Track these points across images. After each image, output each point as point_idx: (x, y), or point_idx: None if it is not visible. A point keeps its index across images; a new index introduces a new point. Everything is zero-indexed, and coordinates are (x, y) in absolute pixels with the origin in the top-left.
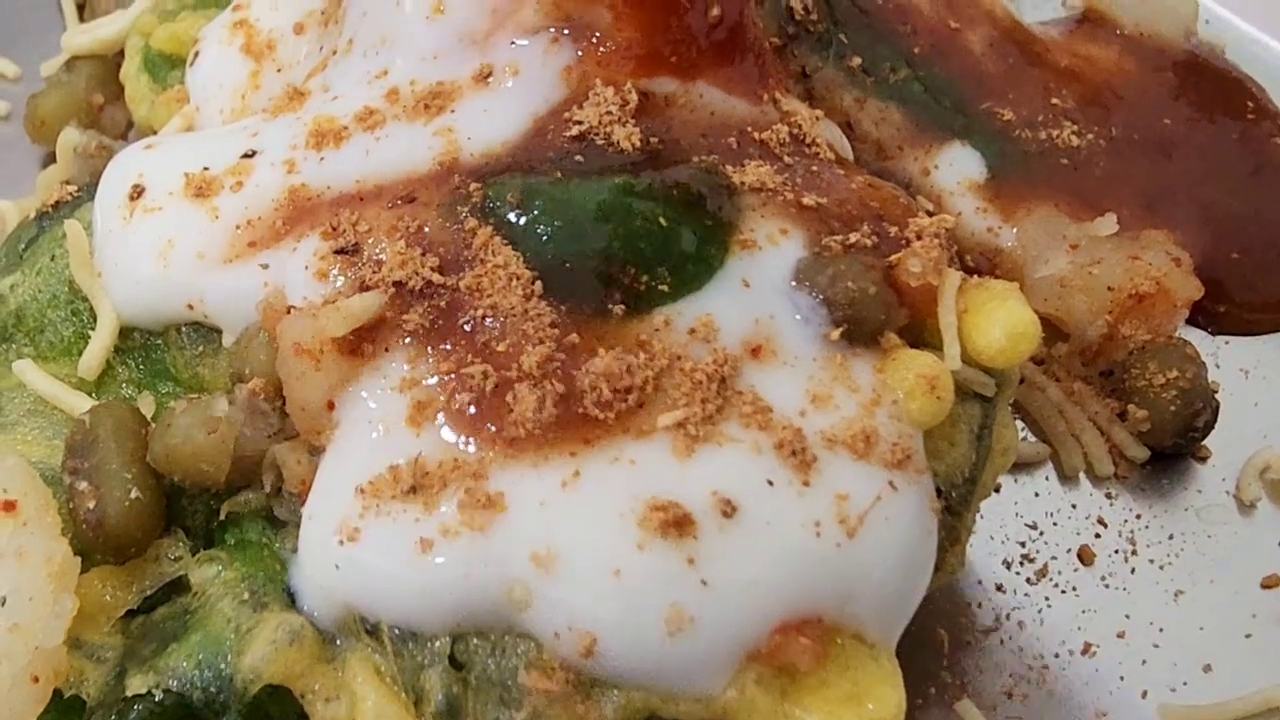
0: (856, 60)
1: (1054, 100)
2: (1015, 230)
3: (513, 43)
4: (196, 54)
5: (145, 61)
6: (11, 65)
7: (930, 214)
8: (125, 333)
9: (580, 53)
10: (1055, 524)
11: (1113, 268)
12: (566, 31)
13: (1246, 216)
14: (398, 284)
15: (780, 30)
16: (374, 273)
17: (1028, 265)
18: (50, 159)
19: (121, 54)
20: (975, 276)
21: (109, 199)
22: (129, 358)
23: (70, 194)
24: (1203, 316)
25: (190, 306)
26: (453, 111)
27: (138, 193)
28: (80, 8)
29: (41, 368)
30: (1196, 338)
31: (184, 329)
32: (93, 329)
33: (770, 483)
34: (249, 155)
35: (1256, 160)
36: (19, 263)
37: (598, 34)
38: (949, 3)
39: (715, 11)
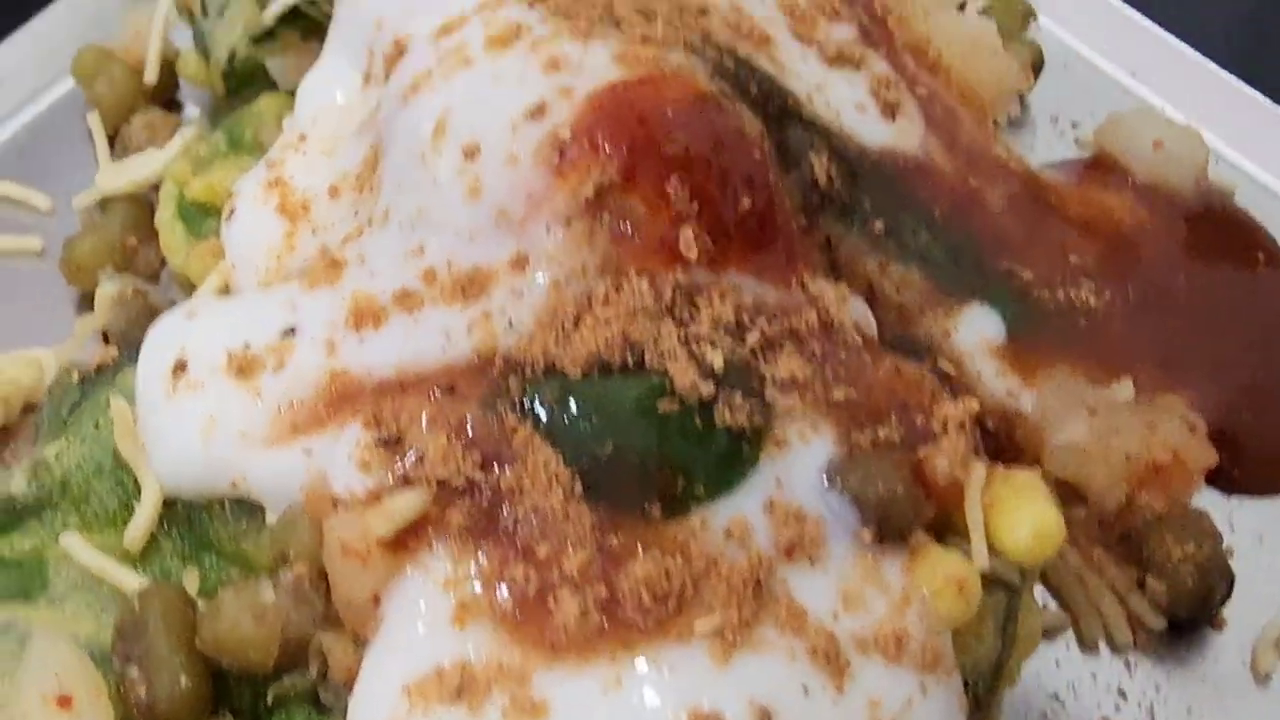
0: (879, 225)
1: (1071, 258)
2: (1034, 394)
3: (548, 229)
4: (232, 210)
5: (180, 210)
6: (44, 198)
7: (951, 377)
8: (169, 503)
9: (614, 243)
10: (1076, 696)
11: (1130, 437)
12: (601, 221)
13: (1259, 373)
14: (441, 481)
15: (805, 201)
16: (417, 467)
17: (1047, 431)
18: (85, 298)
19: (155, 188)
20: (1000, 465)
21: (151, 371)
22: (173, 528)
23: (111, 358)
24: (1217, 476)
25: (234, 484)
26: (489, 297)
27: (180, 367)
28: (111, 139)
29: (86, 538)
30: (1211, 498)
31: (227, 503)
32: (137, 499)
33: (805, 689)
34: (289, 332)
35: (1268, 315)
36: (63, 428)
37: (632, 224)
38: (969, 161)
39: (746, 202)
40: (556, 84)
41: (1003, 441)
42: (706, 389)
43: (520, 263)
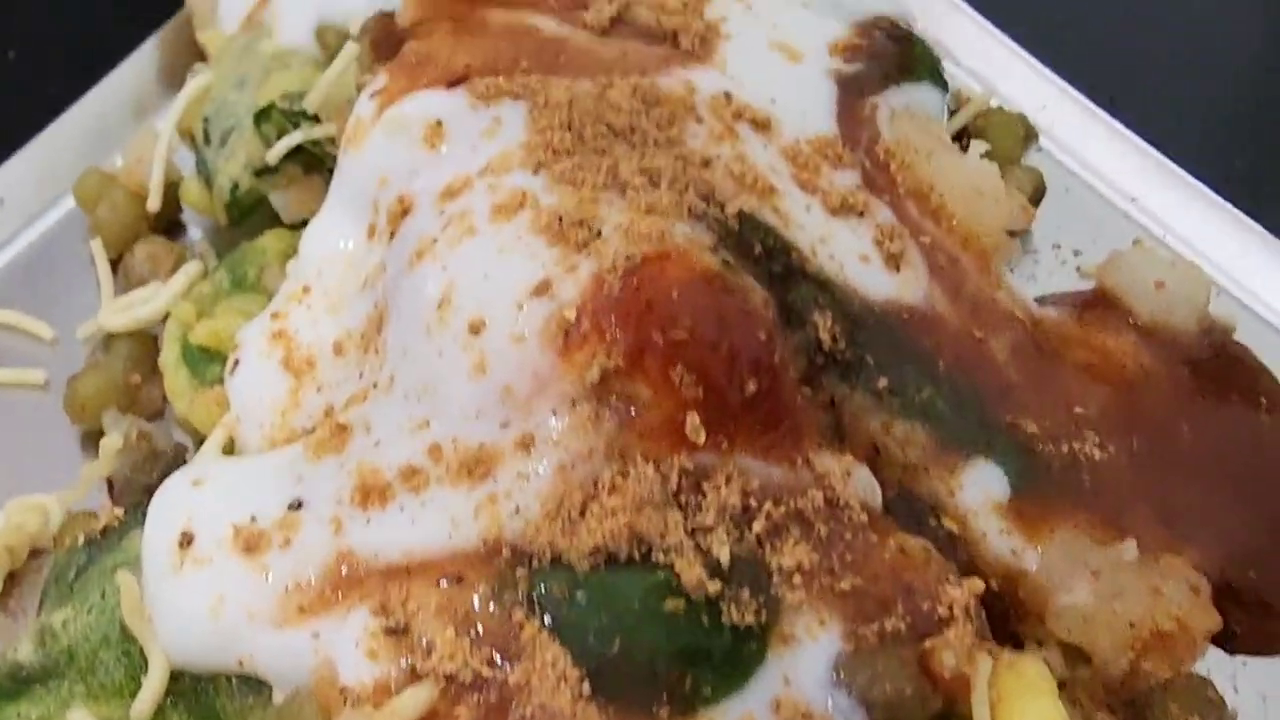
0: (883, 381)
1: (1076, 409)
2: (1038, 553)
3: (554, 411)
4: (236, 362)
5: (184, 353)
6: (46, 327)
7: (955, 537)
8: (175, 674)
9: (620, 427)
10: None
11: (1135, 603)
12: (607, 405)
13: (1260, 528)
14: (448, 676)
15: (809, 363)
16: (424, 659)
17: (1051, 592)
18: (89, 436)
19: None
20: (1006, 648)
21: (158, 543)
22: (180, 700)
23: (116, 519)
24: (1220, 635)
25: (240, 663)
26: (495, 480)
27: (186, 540)
28: (113, 262)
29: (93, 708)
30: (1214, 657)
31: (234, 678)
32: (144, 671)
33: None
34: (295, 506)
35: (1270, 467)
36: (69, 595)
37: (637, 409)
38: (973, 311)
39: (752, 386)
40: (562, 260)
41: (1007, 601)
42: (713, 586)
43: (526, 444)
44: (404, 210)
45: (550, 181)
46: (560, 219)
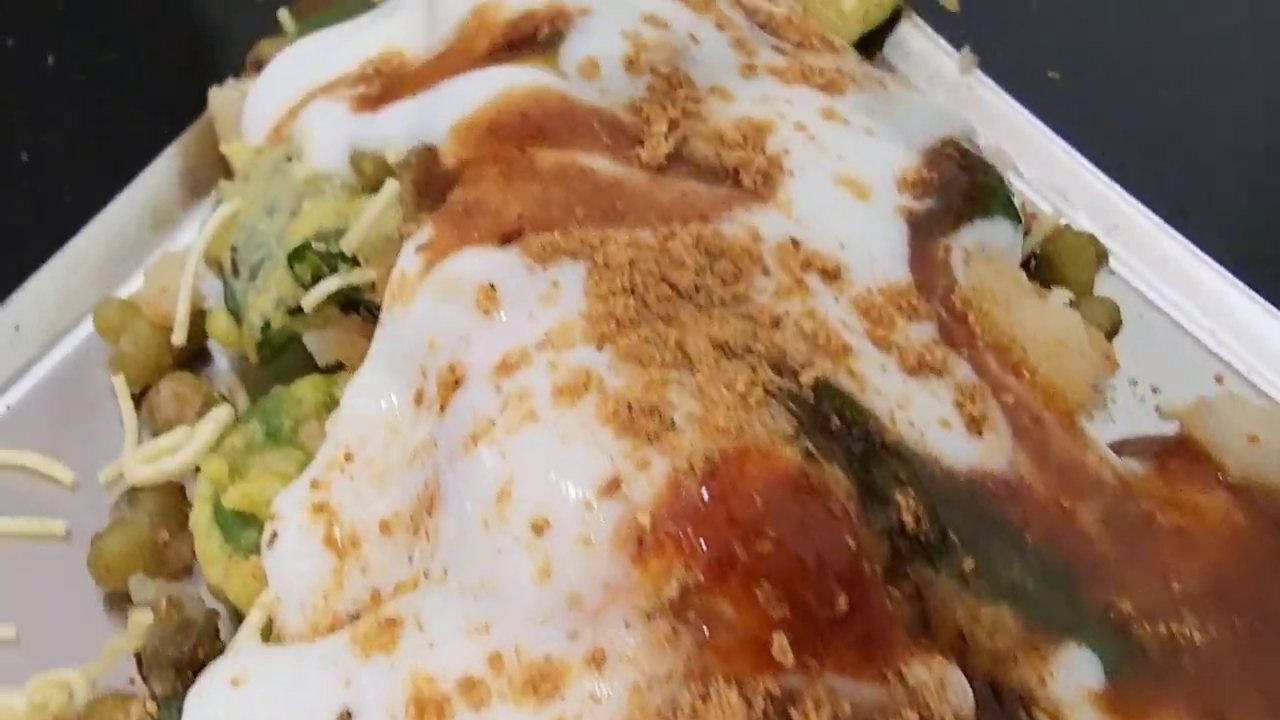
0: (969, 563)
1: (1174, 583)
2: None
3: (626, 624)
4: (274, 535)
5: (216, 515)
6: (66, 471)
7: None
8: None
9: (701, 645)
10: None
11: None
12: (687, 620)
13: None
14: None
15: (894, 549)
16: None
17: None
18: (114, 593)
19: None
20: None
21: None
22: None
23: (149, 715)
24: None
25: None
26: (563, 699)
27: None
28: (136, 401)
29: None
30: None
31: None
32: None
33: None
34: (345, 717)
35: None
36: None
37: (719, 626)
38: (1060, 477)
39: (842, 602)
40: (632, 453)
41: None
42: None
43: (597, 660)
44: (456, 381)
45: (615, 359)
46: (629, 406)
